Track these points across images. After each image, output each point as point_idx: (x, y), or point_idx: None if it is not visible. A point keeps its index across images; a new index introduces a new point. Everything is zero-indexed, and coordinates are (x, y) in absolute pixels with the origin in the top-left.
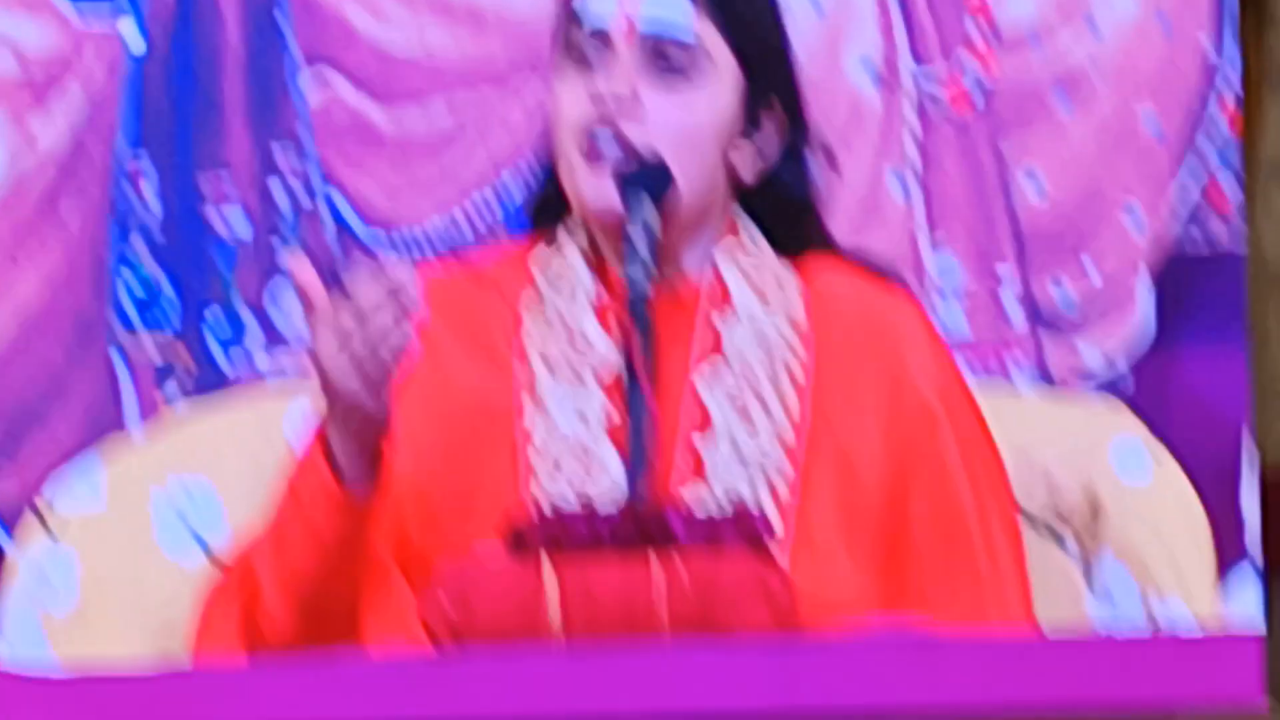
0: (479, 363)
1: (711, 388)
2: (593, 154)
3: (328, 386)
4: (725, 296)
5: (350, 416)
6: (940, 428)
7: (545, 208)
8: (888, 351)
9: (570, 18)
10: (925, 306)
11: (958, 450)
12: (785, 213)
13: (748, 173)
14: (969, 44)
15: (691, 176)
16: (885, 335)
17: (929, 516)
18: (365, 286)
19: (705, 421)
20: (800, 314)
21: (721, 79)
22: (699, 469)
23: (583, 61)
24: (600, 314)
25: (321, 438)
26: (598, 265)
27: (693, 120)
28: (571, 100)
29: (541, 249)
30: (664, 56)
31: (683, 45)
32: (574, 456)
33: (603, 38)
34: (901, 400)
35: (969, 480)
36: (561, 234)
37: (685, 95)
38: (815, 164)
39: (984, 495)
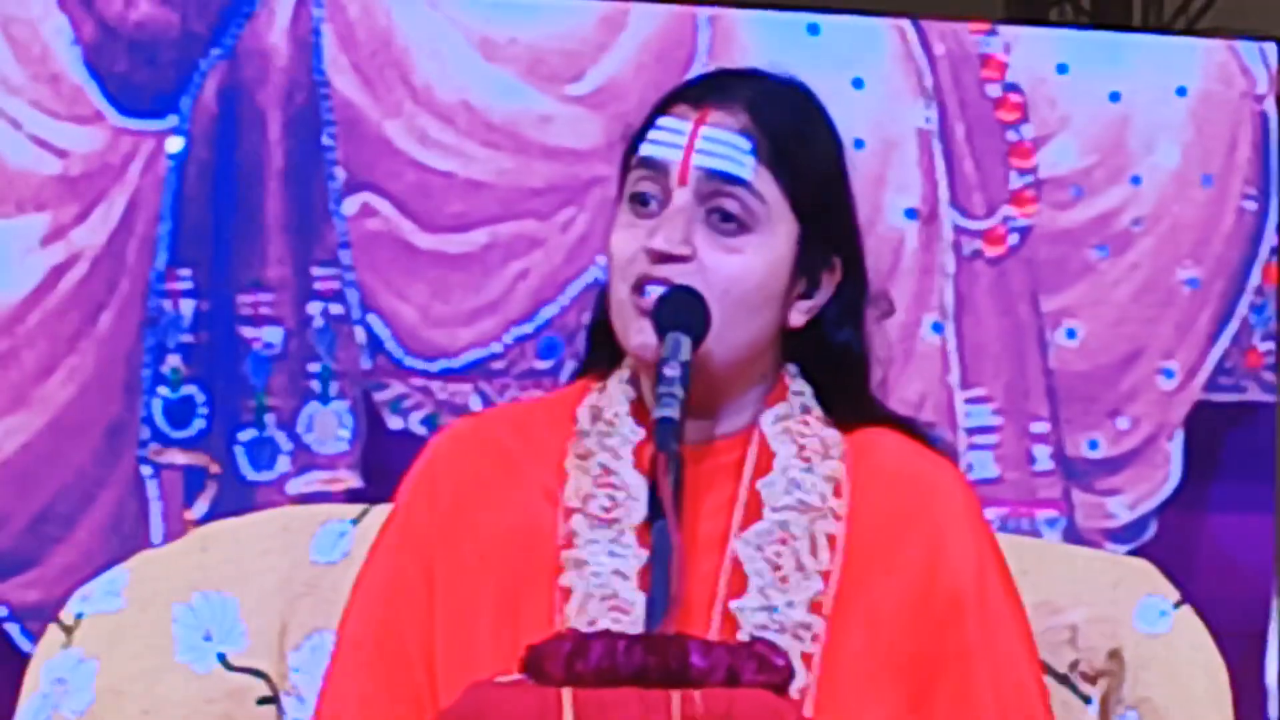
0: (520, 514)
1: (753, 555)
2: (642, 303)
3: None
4: (770, 463)
5: None
6: (970, 619)
7: (596, 354)
8: (927, 527)
9: (633, 162)
10: (958, 460)
11: (984, 646)
12: (837, 371)
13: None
14: (1012, 196)
15: (738, 332)
16: (926, 509)
17: (949, 712)
18: None
19: (744, 588)
20: (841, 475)
21: (777, 233)
22: (734, 635)
23: (642, 207)
24: (642, 465)
25: None
26: (643, 415)
27: (746, 275)
28: (626, 247)
29: (592, 396)
30: (721, 206)
31: (740, 190)
32: (606, 609)
33: (661, 175)
34: (935, 582)
35: (993, 680)
36: (612, 381)
37: (741, 249)
38: (874, 324)
39: (1007, 697)
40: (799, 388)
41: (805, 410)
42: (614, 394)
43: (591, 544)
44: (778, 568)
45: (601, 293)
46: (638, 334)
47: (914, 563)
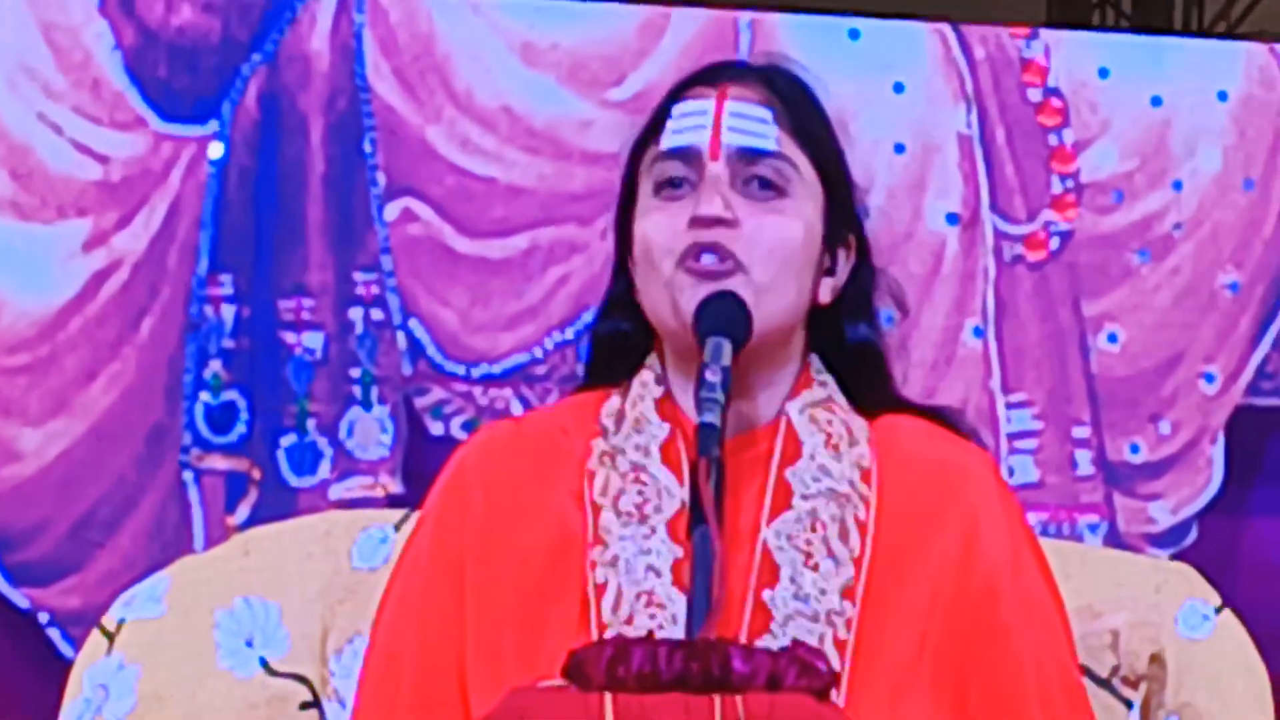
0: (549, 517)
1: (783, 544)
2: (699, 274)
3: None
4: (798, 451)
5: None
6: (1006, 602)
7: (603, 365)
8: (960, 512)
9: (658, 155)
10: (999, 463)
11: (1022, 625)
12: (858, 365)
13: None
14: (1053, 200)
15: (781, 297)
16: (958, 495)
17: (988, 693)
18: None
19: (775, 578)
20: (870, 463)
21: (808, 199)
22: (767, 625)
23: (673, 190)
24: (670, 461)
25: None
26: (671, 413)
27: (789, 236)
28: (664, 228)
29: (614, 400)
30: (754, 174)
31: (771, 159)
32: (642, 606)
33: (693, 158)
34: (970, 566)
35: (1031, 659)
36: (635, 384)
37: (780, 210)
38: (884, 313)
39: (1046, 674)
40: (824, 378)
41: (830, 398)
42: (639, 393)
43: (623, 540)
44: (809, 556)
45: (605, 303)
46: (693, 301)
47: (948, 548)
